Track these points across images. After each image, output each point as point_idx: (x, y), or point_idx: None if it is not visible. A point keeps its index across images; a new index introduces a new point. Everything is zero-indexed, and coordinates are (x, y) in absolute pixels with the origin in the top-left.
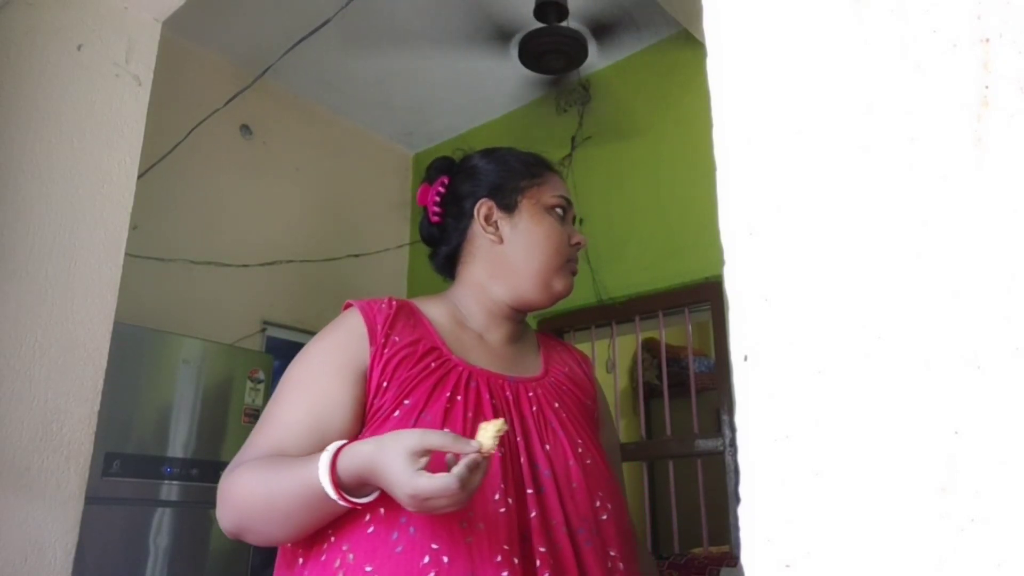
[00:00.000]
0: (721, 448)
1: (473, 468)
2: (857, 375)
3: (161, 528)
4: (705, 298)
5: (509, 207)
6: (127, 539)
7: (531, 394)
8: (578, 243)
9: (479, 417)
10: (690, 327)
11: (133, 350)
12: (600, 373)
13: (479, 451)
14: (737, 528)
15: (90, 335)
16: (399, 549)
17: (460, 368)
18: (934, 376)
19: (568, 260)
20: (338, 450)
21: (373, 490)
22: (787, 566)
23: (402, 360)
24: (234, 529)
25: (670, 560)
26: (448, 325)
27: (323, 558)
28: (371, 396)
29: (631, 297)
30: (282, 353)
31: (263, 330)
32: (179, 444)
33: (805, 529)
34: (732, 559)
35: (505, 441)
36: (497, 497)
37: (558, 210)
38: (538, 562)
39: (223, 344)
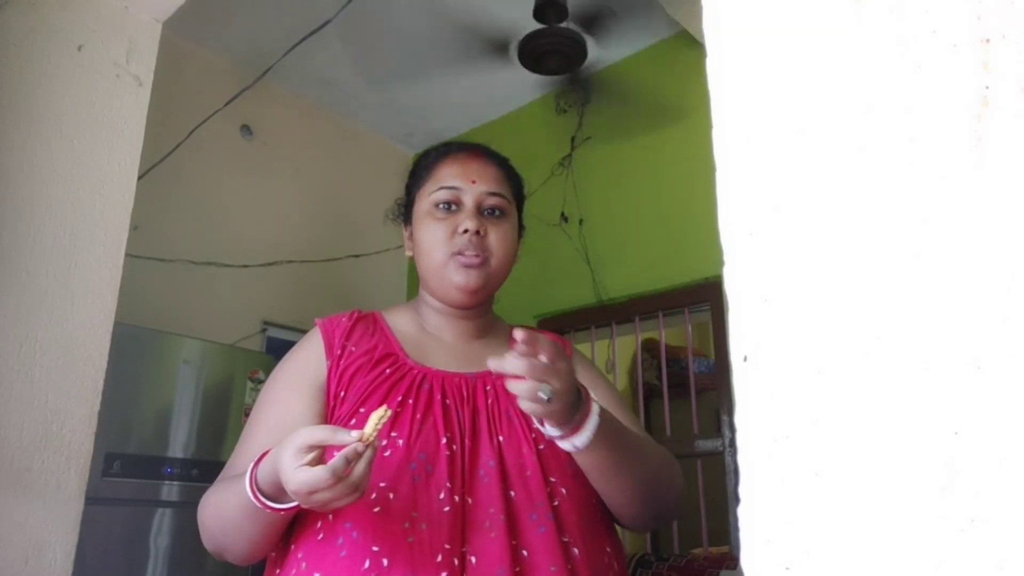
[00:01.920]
0: (721, 448)
1: (352, 458)
2: (857, 375)
3: (162, 529)
4: (705, 298)
5: (409, 219)
6: (128, 540)
7: (488, 387)
8: (465, 230)
9: (428, 418)
10: (690, 327)
11: (133, 350)
12: None
13: (360, 440)
14: (737, 529)
15: (90, 335)
16: (343, 554)
17: (415, 372)
18: (934, 376)
19: (454, 253)
20: (259, 458)
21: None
22: (786, 568)
23: (358, 369)
24: (214, 549)
25: (670, 562)
26: (410, 331)
27: (277, 570)
28: (331, 407)
29: (631, 297)
30: (282, 354)
31: (263, 330)
32: (179, 444)
33: (805, 530)
34: (732, 560)
35: (456, 439)
36: (442, 496)
37: (441, 205)
38: (473, 559)
39: (223, 344)
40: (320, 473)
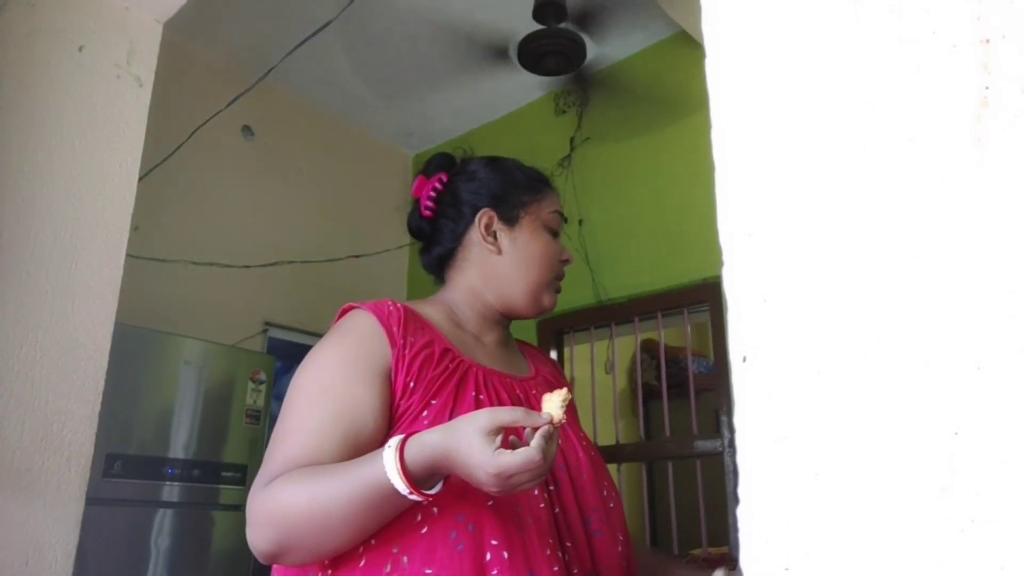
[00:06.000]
0: (720, 449)
1: (548, 438)
2: (856, 376)
3: (163, 529)
4: (704, 299)
5: (510, 220)
6: (128, 540)
7: (534, 392)
8: (567, 260)
9: None
10: (689, 328)
11: (134, 351)
12: (599, 374)
13: (550, 422)
14: (736, 529)
15: (91, 336)
16: (460, 547)
17: (475, 369)
18: (934, 377)
19: (557, 277)
20: (401, 443)
21: (439, 480)
22: (786, 568)
23: (424, 361)
24: (275, 549)
25: None
26: (449, 327)
27: (362, 563)
28: (397, 397)
29: (630, 298)
30: (284, 354)
31: (265, 331)
32: (180, 445)
33: (804, 530)
34: (731, 560)
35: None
36: (537, 493)
37: (553, 227)
38: (567, 556)
39: (224, 345)
40: (532, 455)
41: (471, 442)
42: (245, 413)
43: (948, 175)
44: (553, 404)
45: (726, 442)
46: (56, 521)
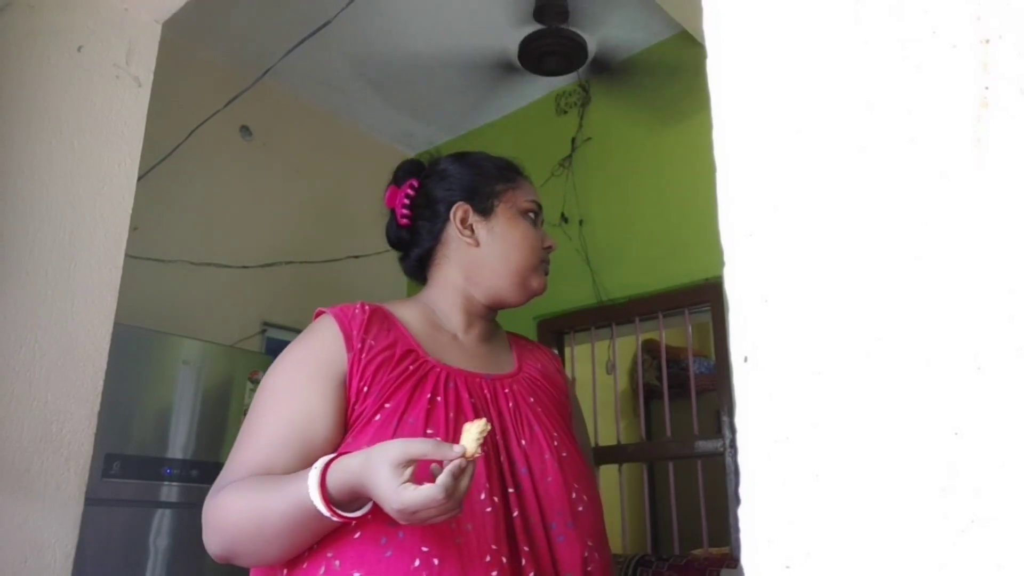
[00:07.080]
0: (721, 449)
1: (458, 474)
2: (857, 376)
3: (161, 529)
4: (705, 299)
5: (485, 211)
6: (127, 540)
7: (507, 390)
8: (550, 246)
9: (460, 416)
10: (690, 328)
11: (133, 351)
12: (600, 374)
13: (463, 455)
14: (737, 529)
15: (90, 336)
16: (388, 553)
17: (438, 369)
18: (934, 377)
19: (542, 261)
20: (326, 465)
21: (365, 502)
22: (787, 568)
23: (381, 364)
24: (223, 553)
25: (670, 562)
26: (422, 327)
27: (304, 566)
28: (351, 402)
29: (631, 298)
30: None
31: (263, 331)
32: (179, 445)
33: (805, 530)
34: (732, 560)
35: (488, 440)
36: (483, 496)
37: (531, 214)
38: (523, 561)
39: (223, 345)
40: (433, 493)
41: (379, 473)
42: (243, 413)
43: (948, 175)
44: (469, 436)
45: (727, 442)
46: (55, 521)
